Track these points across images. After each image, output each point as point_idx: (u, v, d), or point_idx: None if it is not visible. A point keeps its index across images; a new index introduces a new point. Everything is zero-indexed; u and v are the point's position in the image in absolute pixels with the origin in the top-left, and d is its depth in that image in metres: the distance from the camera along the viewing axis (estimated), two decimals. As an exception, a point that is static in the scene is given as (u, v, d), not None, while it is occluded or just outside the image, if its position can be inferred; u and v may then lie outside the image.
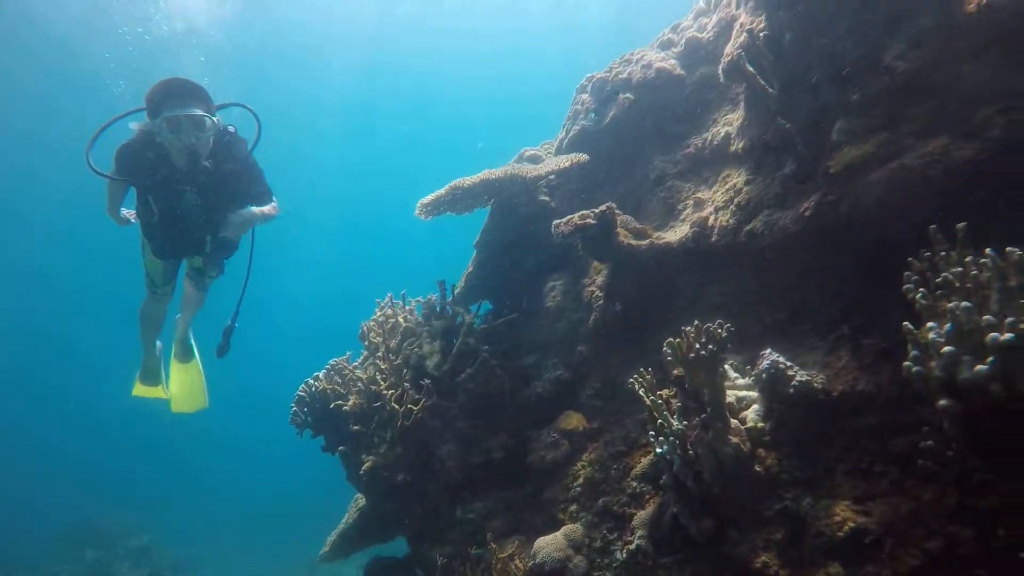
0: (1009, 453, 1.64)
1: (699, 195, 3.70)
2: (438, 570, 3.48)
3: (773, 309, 2.98)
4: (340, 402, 3.91)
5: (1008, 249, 1.55)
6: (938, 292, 1.79)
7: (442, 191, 3.98)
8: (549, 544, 2.95)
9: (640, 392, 2.68)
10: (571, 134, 4.71)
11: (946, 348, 1.62)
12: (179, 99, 3.23)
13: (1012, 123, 1.95)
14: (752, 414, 2.58)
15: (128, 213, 3.90)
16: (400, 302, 4.32)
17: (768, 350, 2.55)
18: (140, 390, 4.76)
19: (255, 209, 3.63)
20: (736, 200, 3.22)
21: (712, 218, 3.38)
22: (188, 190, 3.43)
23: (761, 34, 2.79)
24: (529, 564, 2.99)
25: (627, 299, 3.57)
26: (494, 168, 4.08)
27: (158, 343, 4.67)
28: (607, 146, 4.46)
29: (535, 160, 4.89)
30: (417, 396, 3.67)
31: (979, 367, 1.54)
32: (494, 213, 4.64)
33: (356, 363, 4.31)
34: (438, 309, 4.15)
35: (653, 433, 2.58)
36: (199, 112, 3.24)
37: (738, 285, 3.21)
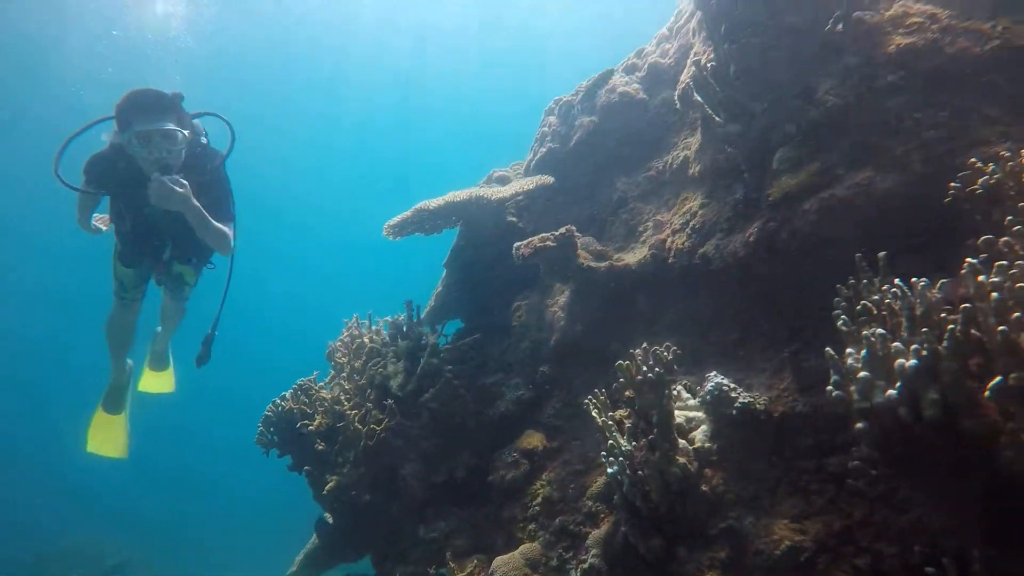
0: (921, 473, 1.71)
1: (659, 217, 3.79)
2: (400, 590, 3.48)
3: (726, 331, 3.05)
4: (306, 422, 3.92)
5: (913, 280, 1.63)
6: (861, 318, 1.87)
7: (408, 213, 4.03)
8: (506, 563, 2.97)
9: (593, 412, 2.73)
10: (538, 156, 4.80)
11: (862, 373, 1.70)
12: (151, 112, 3.16)
13: (928, 158, 2.05)
14: (700, 435, 2.64)
15: (99, 220, 3.86)
16: (367, 322, 4.36)
17: (713, 372, 2.61)
18: (96, 438, 4.47)
19: (208, 216, 3.32)
20: (692, 223, 3.30)
21: (670, 240, 3.46)
22: None
23: (708, 65, 2.91)
24: (487, 584, 3.02)
25: (588, 320, 3.64)
26: (459, 191, 4.15)
27: (129, 361, 4.61)
28: (573, 168, 4.56)
29: (503, 181, 4.97)
30: (380, 416, 3.69)
31: (889, 392, 1.61)
32: (462, 233, 4.70)
33: (323, 383, 4.33)
34: (404, 329, 4.19)
35: (604, 453, 2.63)
36: (170, 126, 3.18)
37: (694, 307, 3.29)
